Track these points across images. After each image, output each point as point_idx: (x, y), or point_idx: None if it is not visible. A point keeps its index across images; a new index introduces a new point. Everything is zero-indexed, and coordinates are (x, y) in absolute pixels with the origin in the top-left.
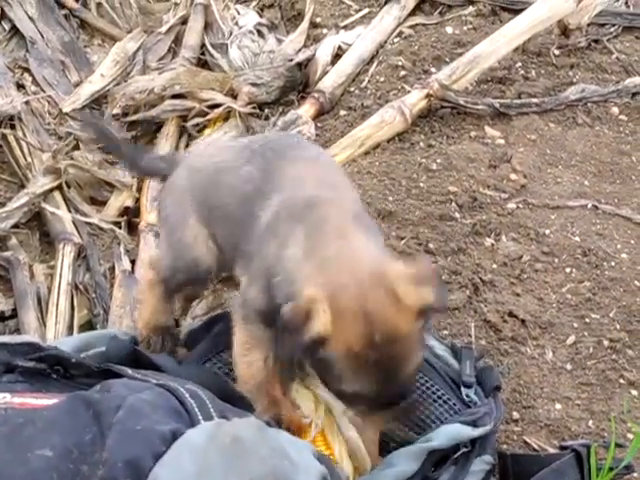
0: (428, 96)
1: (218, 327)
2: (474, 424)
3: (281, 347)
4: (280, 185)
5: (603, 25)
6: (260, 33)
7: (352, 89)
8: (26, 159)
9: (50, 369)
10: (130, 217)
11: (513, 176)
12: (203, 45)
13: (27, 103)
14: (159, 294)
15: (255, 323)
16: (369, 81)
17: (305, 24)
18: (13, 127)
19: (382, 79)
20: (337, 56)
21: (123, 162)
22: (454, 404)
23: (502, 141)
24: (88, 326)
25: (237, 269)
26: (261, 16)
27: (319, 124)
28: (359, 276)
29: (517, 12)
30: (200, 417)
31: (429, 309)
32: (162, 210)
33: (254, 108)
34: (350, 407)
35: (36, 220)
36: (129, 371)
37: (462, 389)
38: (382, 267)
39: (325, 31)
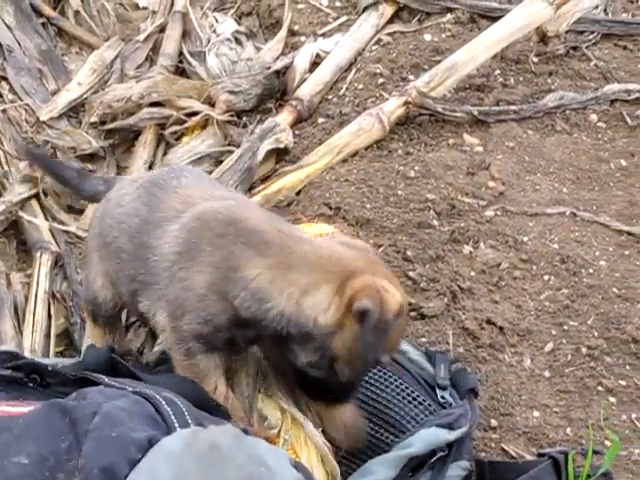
0: (406, 103)
1: None
2: (450, 427)
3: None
4: (171, 212)
5: (582, 32)
6: (238, 41)
7: (330, 97)
8: (3, 167)
9: (27, 377)
10: None
11: (491, 183)
12: (181, 53)
13: (4, 111)
14: (90, 320)
15: (200, 353)
16: (347, 89)
17: (283, 32)
18: None
19: (360, 87)
20: (315, 64)
21: (69, 188)
22: (429, 405)
23: (480, 148)
24: (65, 335)
25: (142, 302)
26: (239, 24)
27: (297, 132)
28: (360, 256)
29: (495, 19)
30: (176, 424)
31: None
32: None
33: (232, 116)
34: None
35: (13, 229)
36: (105, 379)
37: (437, 391)
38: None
39: (303, 39)
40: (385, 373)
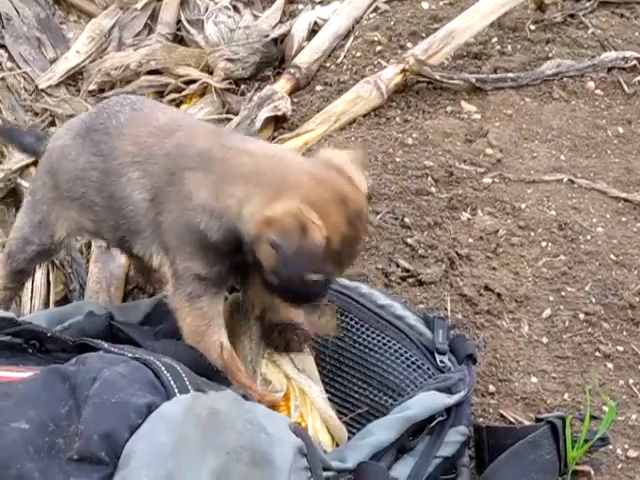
0: (404, 71)
1: None
2: (449, 391)
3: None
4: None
5: (579, 0)
6: (236, 9)
7: (328, 64)
8: None
9: (26, 343)
10: None
11: (489, 151)
12: (179, 21)
13: (3, 79)
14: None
15: (205, 295)
16: (345, 56)
17: (281, 0)
18: None
19: (358, 54)
20: (313, 32)
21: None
22: (428, 369)
23: (478, 116)
24: (64, 302)
25: (135, 247)
26: None
27: (295, 99)
28: (312, 172)
29: None
30: (176, 390)
31: (370, 194)
32: (31, 182)
33: (230, 84)
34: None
35: (12, 196)
36: (105, 345)
37: (436, 356)
38: (326, 156)
39: (301, 7)
40: (384, 337)
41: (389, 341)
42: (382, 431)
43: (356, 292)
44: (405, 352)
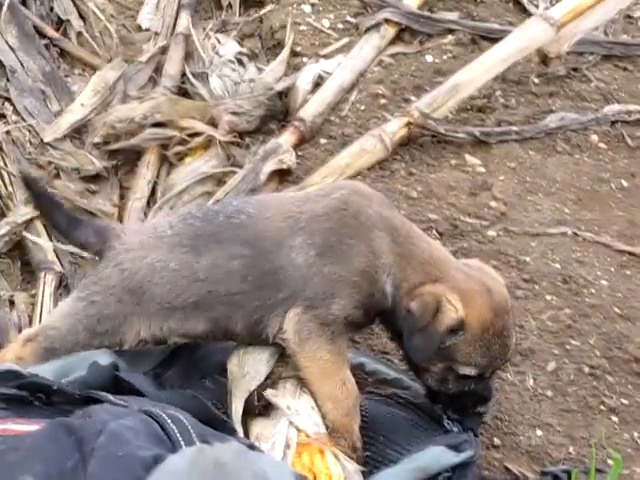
0: (408, 124)
1: (200, 353)
2: (456, 449)
3: (415, 347)
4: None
5: (582, 53)
6: (240, 62)
7: (332, 118)
8: (7, 189)
9: (32, 396)
10: None
11: (493, 204)
12: (183, 74)
13: (8, 133)
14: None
15: (343, 335)
16: (349, 109)
17: (285, 53)
18: None
19: (362, 107)
20: (317, 85)
21: (55, 229)
22: (434, 430)
23: (482, 169)
24: None
25: (273, 320)
26: (241, 45)
27: (300, 153)
28: (458, 265)
29: (496, 41)
30: (182, 442)
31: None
32: (87, 295)
33: (235, 137)
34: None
35: (17, 249)
36: (110, 397)
37: (443, 419)
38: (466, 261)
39: (305, 60)
40: (389, 405)
41: (395, 409)
42: (393, 479)
43: (362, 370)
44: (411, 417)
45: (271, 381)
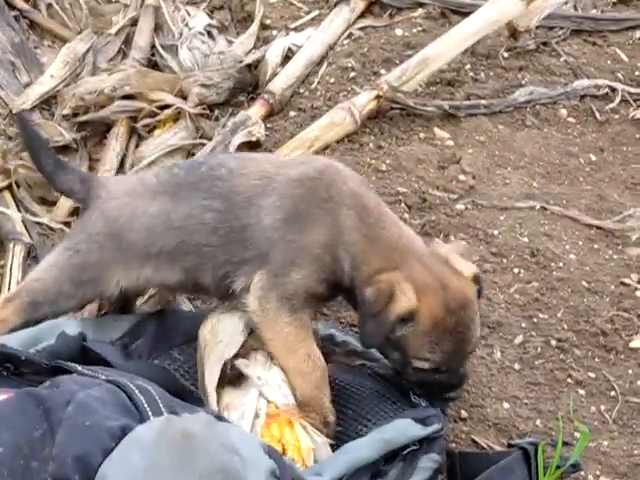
0: (378, 97)
1: (168, 322)
2: (424, 422)
3: (366, 332)
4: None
5: (552, 28)
6: (210, 34)
7: (302, 90)
8: None
9: (0, 366)
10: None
11: (462, 177)
12: (153, 46)
13: None
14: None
15: (306, 308)
16: (319, 82)
17: (255, 26)
18: None
19: (332, 81)
20: (287, 58)
21: (42, 174)
22: (403, 404)
23: (451, 142)
24: None
25: (239, 277)
26: (211, 18)
27: (269, 125)
28: (421, 256)
29: (466, 14)
30: (150, 413)
31: (478, 277)
32: (73, 244)
33: (204, 109)
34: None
35: None
36: (78, 367)
37: (410, 395)
38: (438, 250)
39: (275, 33)
40: (359, 377)
41: (364, 381)
42: (359, 450)
43: (331, 341)
44: (380, 390)
45: (243, 351)
